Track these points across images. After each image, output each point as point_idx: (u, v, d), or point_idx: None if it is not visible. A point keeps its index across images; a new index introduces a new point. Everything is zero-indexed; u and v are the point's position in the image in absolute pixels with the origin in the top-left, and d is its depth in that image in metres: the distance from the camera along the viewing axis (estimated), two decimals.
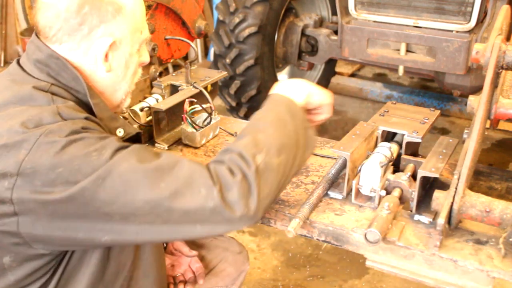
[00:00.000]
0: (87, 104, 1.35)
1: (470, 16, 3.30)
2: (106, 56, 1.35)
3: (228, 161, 1.22)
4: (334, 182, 1.57)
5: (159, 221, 1.18)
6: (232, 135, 1.97)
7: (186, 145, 1.89)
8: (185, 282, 1.80)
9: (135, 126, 1.86)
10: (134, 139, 1.47)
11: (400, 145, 1.63)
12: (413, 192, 1.43)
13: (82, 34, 1.31)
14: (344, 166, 1.55)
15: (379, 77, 5.66)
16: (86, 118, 1.27)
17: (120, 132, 1.41)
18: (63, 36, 1.31)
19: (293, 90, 1.44)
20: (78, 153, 1.16)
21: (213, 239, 2.01)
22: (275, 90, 1.45)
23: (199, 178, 1.18)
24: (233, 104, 3.98)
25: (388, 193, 1.45)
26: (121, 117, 1.49)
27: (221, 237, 2.03)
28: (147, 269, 1.48)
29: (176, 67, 5.49)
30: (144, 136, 1.89)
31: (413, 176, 1.49)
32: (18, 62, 1.38)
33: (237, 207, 1.17)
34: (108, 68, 1.37)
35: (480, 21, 3.34)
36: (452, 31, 3.38)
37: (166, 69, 5.07)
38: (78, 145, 1.17)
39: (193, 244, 1.92)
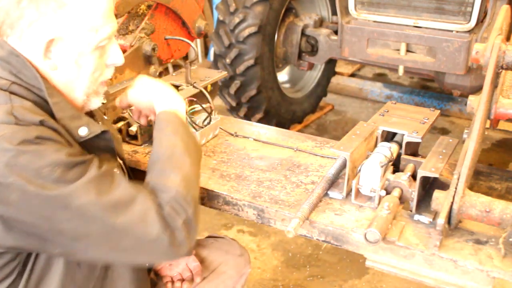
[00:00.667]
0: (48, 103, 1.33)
1: (470, 16, 3.30)
2: (47, 52, 1.30)
3: (171, 201, 1.31)
4: (334, 182, 1.57)
5: (108, 247, 1.28)
6: (232, 135, 1.97)
7: None
8: (182, 280, 1.81)
9: (135, 126, 1.87)
10: (102, 135, 1.43)
11: (400, 145, 1.63)
12: (413, 192, 1.43)
13: (21, 28, 1.27)
14: (344, 166, 1.55)
15: (379, 77, 5.66)
16: (41, 122, 1.23)
17: (83, 131, 1.35)
18: (6, 29, 1.29)
19: (171, 100, 1.55)
20: (29, 165, 1.16)
21: (214, 241, 2.00)
22: (160, 105, 1.54)
23: (151, 216, 1.26)
24: (233, 104, 3.98)
25: (388, 193, 1.45)
26: (87, 116, 1.42)
27: (222, 240, 2.02)
28: (121, 270, 1.49)
29: (176, 67, 5.49)
30: (144, 136, 1.89)
31: (413, 176, 1.49)
32: None
33: (184, 245, 1.30)
34: (54, 66, 1.32)
35: (480, 21, 3.34)
36: (452, 31, 3.37)
37: (166, 69, 5.06)
38: (29, 157, 1.17)
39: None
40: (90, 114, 1.50)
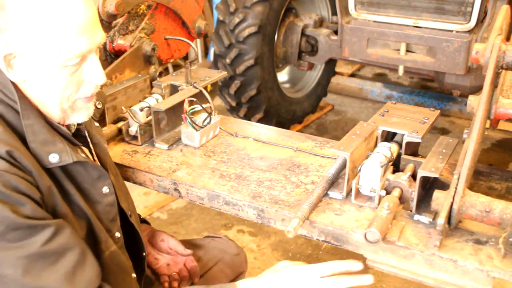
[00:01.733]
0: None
1: (470, 16, 3.30)
2: (9, 65, 1.25)
3: None
4: (334, 182, 1.57)
5: None
6: (232, 135, 1.97)
7: (186, 145, 1.89)
8: (180, 281, 1.81)
9: (135, 126, 1.87)
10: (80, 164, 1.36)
11: (400, 145, 1.63)
12: (413, 192, 1.43)
13: None
14: (344, 166, 1.55)
15: (379, 77, 5.66)
16: (8, 152, 1.18)
17: (54, 158, 1.28)
18: None
19: None
20: None
21: (211, 240, 2.01)
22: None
23: None
24: (233, 104, 3.98)
25: (388, 193, 1.45)
26: (64, 142, 1.33)
27: (219, 239, 2.03)
28: None
29: (176, 67, 5.49)
30: (144, 136, 1.90)
31: (413, 176, 1.49)
32: None
33: None
34: (20, 78, 1.26)
35: (480, 21, 3.34)
36: (452, 31, 3.38)
37: (166, 69, 5.07)
38: None
39: (190, 244, 1.93)
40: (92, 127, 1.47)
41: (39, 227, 1.19)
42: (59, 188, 1.31)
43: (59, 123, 1.36)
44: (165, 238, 1.84)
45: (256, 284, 1.39)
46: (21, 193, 1.17)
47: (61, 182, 1.32)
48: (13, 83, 1.27)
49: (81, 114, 1.37)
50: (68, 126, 1.42)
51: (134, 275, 1.55)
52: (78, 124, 1.45)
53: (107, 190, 1.43)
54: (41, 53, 1.23)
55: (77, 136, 1.45)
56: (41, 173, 1.24)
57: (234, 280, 1.93)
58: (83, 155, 1.40)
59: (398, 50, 3.57)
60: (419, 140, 1.58)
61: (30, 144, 1.26)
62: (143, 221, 1.92)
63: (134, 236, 1.62)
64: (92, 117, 1.52)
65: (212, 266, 1.92)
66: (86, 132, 1.48)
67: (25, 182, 1.19)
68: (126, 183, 1.72)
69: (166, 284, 1.78)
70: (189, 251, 1.82)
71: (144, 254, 1.65)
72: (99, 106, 1.67)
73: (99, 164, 1.45)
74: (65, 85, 1.29)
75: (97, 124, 1.57)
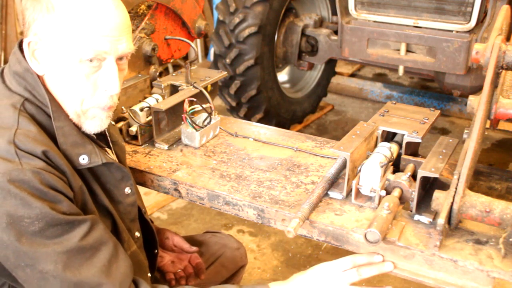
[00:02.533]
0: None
1: (470, 16, 3.30)
2: (33, 53, 1.29)
3: None
4: (334, 182, 1.57)
5: None
6: (232, 135, 1.97)
7: (186, 145, 1.89)
8: (186, 277, 1.81)
9: (135, 126, 1.87)
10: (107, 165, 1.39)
11: (400, 145, 1.63)
12: (413, 192, 1.43)
13: (26, 28, 1.28)
14: (344, 166, 1.55)
15: (379, 77, 5.66)
16: (44, 152, 1.21)
17: (83, 159, 1.32)
18: (24, 30, 1.29)
19: None
20: (11, 210, 1.15)
21: (212, 236, 2.04)
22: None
23: None
24: (233, 104, 3.98)
25: (388, 193, 1.45)
26: (92, 143, 1.36)
27: (219, 234, 2.07)
28: None
29: (176, 67, 5.50)
30: (144, 136, 1.90)
31: (413, 176, 1.49)
32: (1, 73, 1.36)
33: None
34: (41, 70, 1.30)
35: (480, 21, 3.34)
36: (452, 31, 3.38)
37: (166, 69, 5.07)
38: (14, 201, 1.15)
39: (191, 240, 1.94)
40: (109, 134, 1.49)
41: (76, 222, 1.22)
42: (88, 188, 1.34)
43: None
44: (169, 236, 1.86)
45: (285, 285, 1.42)
46: (57, 191, 1.21)
47: (89, 183, 1.35)
48: (42, 84, 1.30)
49: (94, 123, 1.36)
50: None
51: (149, 274, 1.56)
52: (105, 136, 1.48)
53: (129, 191, 1.46)
54: (62, 44, 1.25)
55: (98, 136, 1.47)
56: (73, 173, 1.28)
57: (235, 274, 1.98)
58: (110, 156, 1.43)
59: (398, 50, 3.57)
60: (419, 140, 1.58)
61: (61, 146, 1.29)
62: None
63: (148, 234, 1.64)
64: None
65: (213, 261, 1.94)
66: (106, 130, 1.49)
67: (60, 181, 1.22)
68: None
69: (174, 282, 1.79)
70: (194, 248, 1.84)
71: (156, 251, 1.66)
72: (106, 127, 1.68)
73: (121, 164, 1.47)
74: (80, 84, 1.29)
75: (113, 122, 1.60)
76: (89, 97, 1.32)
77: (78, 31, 1.24)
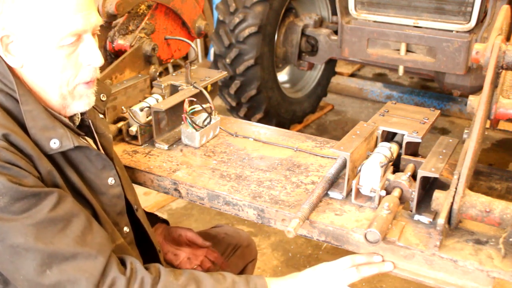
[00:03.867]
0: None
1: (470, 16, 3.30)
2: (6, 49, 1.26)
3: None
4: (334, 182, 1.57)
5: None
6: (232, 135, 1.97)
7: (186, 145, 1.89)
8: (205, 270, 1.82)
9: (135, 126, 1.87)
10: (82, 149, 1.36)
11: (400, 145, 1.63)
12: (413, 192, 1.43)
13: None
14: (344, 166, 1.55)
15: (379, 77, 5.66)
16: (5, 135, 1.19)
17: (55, 144, 1.28)
18: None
19: None
20: None
21: (220, 229, 2.07)
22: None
23: (84, 281, 1.19)
24: (233, 104, 3.98)
25: (388, 193, 1.45)
26: (64, 127, 1.32)
27: (230, 230, 2.08)
28: None
29: (176, 67, 5.50)
30: (144, 136, 1.90)
31: (413, 176, 1.49)
32: None
33: None
34: (19, 63, 1.27)
35: (480, 21, 3.34)
36: (452, 31, 3.38)
37: (166, 69, 5.07)
38: None
39: (203, 237, 1.93)
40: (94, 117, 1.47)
41: (43, 194, 1.19)
42: (61, 174, 1.31)
43: (60, 114, 1.35)
44: (182, 233, 1.86)
45: (282, 281, 1.41)
46: (20, 168, 1.18)
47: (63, 169, 1.32)
48: (13, 73, 1.28)
49: (82, 102, 1.36)
50: (72, 119, 1.43)
51: None
52: (81, 114, 1.45)
53: (113, 182, 1.44)
54: (37, 33, 1.24)
55: (81, 127, 1.45)
56: (40, 157, 1.25)
57: (244, 268, 2.01)
58: (86, 142, 1.39)
59: (398, 50, 3.57)
60: (419, 140, 1.58)
61: (30, 130, 1.26)
62: (163, 220, 1.94)
63: (143, 233, 1.62)
64: (96, 110, 1.53)
65: (228, 255, 1.98)
66: (90, 121, 1.47)
67: (23, 161, 1.20)
68: None
69: None
70: (208, 243, 1.84)
71: (158, 250, 1.66)
72: (103, 99, 1.64)
73: (103, 153, 1.45)
74: (62, 67, 1.29)
75: (101, 116, 1.57)
76: (74, 76, 1.32)
77: (49, 16, 1.23)
